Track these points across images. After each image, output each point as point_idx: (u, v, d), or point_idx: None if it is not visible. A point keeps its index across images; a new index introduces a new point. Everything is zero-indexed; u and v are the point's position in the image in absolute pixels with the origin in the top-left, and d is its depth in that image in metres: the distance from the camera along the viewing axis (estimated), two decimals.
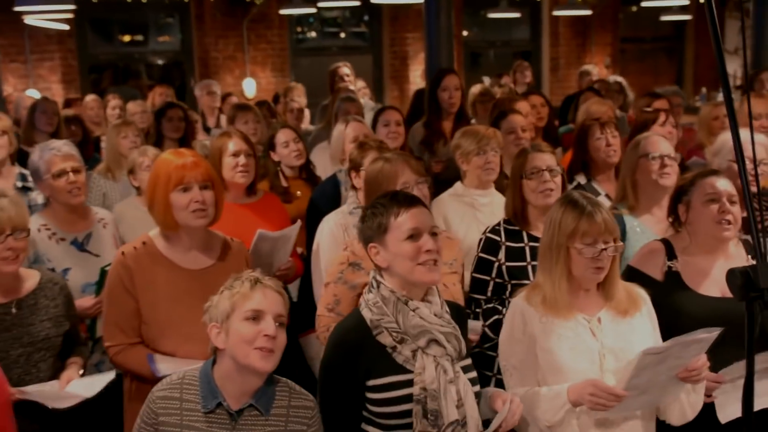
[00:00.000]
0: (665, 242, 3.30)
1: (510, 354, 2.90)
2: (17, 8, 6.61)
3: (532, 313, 2.84)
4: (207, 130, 7.82)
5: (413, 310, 2.59)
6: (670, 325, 2.99)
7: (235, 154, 4.16)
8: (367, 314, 2.63)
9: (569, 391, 2.74)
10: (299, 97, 8.16)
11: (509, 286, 3.56)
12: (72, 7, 6.78)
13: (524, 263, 3.57)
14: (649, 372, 2.72)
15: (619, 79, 8.14)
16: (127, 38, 11.64)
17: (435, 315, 2.61)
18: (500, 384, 3.17)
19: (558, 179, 3.66)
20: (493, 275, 3.61)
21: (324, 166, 5.26)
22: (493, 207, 4.20)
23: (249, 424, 2.52)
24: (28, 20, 8.79)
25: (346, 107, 5.87)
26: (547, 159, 3.67)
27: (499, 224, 3.69)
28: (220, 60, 11.13)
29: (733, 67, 12.66)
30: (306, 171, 5.09)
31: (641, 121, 5.03)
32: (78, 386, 3.17)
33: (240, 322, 2.48)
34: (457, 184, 4.32)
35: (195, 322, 2.97)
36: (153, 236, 3.22)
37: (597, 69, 10.06)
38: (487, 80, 10.03)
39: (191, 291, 3.10)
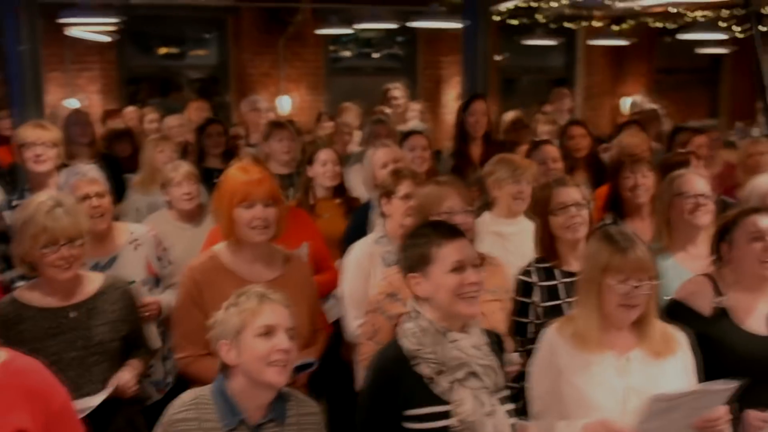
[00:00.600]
0: (710, 278, 3.28)
1: (537, 383, 2.90)
2: (62, 20, 6.73)
3: (561, 346, 2.83)
4: (250, 146, 7.87)
5: (452, 342, 2.59)
6: (716, 362, 2.98)
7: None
8: (405, 344, 2.64)
9: (584, 428, 2.73)
10: (352, 118, 8.20)
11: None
12: (115, 20, 6.90)
13: (559, 301, 3.55)
14: (662, 419, 2.69)
15: (655, 105, 8.06)
16: (165, 51, 11.79)
17: (474, 347, 2.62)
18: None
19: (585, 212, 3.63)
20: (531, 318, 3.58)
21: (357, 186, 5.29)
22: (522, 236, 4.18)
23: None
24: (72, 32, 8.94)
25: (376, 130, 5.90)
26: (572, 193, 3.65)
27: (530, 264, 3.66)
28: (256, 76, 11.24)
29: None
30: (341, 194, 5.09)
31: (673, 162, 5.02)
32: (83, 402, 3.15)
33: (252, 338, 2.52)
34: (485, 214, 4.30)
35: None
36: (218, 250, 3.33)
37: (646, 99, 9.93)
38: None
39: None
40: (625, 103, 12.64)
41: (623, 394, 2.78)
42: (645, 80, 12.90)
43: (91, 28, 9.19)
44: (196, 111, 8.31)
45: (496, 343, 2.78)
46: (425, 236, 2.67)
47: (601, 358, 2.80)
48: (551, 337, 2.89)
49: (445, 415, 2.57)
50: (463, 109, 5.95)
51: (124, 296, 3.33)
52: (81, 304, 3.22)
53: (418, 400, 2.59)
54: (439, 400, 2.58)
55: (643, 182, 4.43)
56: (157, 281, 4.07)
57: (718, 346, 3.07)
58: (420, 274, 2.64)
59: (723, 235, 3.30)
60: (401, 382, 2.61)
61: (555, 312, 3.50)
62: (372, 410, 2.67)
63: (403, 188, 3.92)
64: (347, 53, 12.56)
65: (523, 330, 3.61)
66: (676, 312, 3.05)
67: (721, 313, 3.19)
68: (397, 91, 8.98)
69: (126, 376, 3.26)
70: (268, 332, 2.52)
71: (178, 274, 4.12)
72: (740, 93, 13.41)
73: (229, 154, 6.30)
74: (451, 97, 12.05)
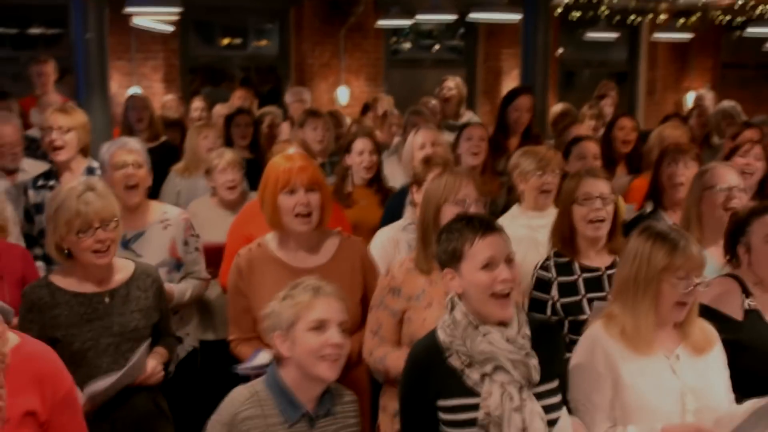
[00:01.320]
0: (735, 278, 3.21)
1: (589, 390, 2.77)
2: (128, 9, 6.87)
3: (614, 347, 2.75)
4: None
5: (483, 335, 2.56)
6: (757, 365, 2.93)
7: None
8: (441, 335, 2.64)
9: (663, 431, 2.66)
10: (388, 108, 8.21)
11: (566, 323, 3.47)
12: (179, 9, 7.00)
13: (578, 297, 3.48)
14: (761, 421, 2.63)
15: (733, 102, 7.86)
16: (226, 41, 11.93)
17: (507, 340, 2.57)
18: None
19: (610, 208, 3.53)
20: (548, 314, 3.49)
21: (392, 176, 5.33)
22: (549, 229, 4.14)
23: (323, 427, 2.62)
24: (136, 21, 9.11)
25: (414, 120, 5.88)
26: (600, 186, 3.55)
27: (548, 258, 3.59)
28: (316, 67, 11.31)
29: None
30: (377, 183, 5.11)
31: (727, 153, 4.93)
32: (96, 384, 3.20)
33: (305, 332, 2.57)
34: (514, 207, 4.25)
35: None
36: (268, 238, 3.40)
37: (711, 94, 9.76)
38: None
39: None
40: (689, 98, 12.41)
41: (680, 394, 2.72)
42: (710, 75, 12.65)
43: (155, 18, 9.33)
44: (239, 100, 8.36)
45: (548, 335, 2.73)
46: (457, 231, 2.63)
47: (654, 359, 2.73)
48: (600, 338, 2.78)
49: (475, 407, 2.55)
50: (508, 102, 5.90)
51: (154, 284, 3.36)
52: (115, 291, 3.25)
53: (450, 391, 2.58)
54: (470, 392, 2.57)
55: (685, 173, 4.29)
56: (178, 265, 4.05)
57: (757, 350, 3.01)
58: (453, 270, 2.63)
59: (736, 237, 3.23)
60: (434, 372, 2.61)
61: (575, 308, 3.45)
62: (409, 399, 2.68)
63: (433, 176, 3.89)
64: (407, 45, 12.56)
65: None
66: (707, 318, 2.92)
67: (755, 316, 3.12)
68: (451, 82, 8.91)
69: (153, 363, 3.29)
70: (321, 326, 2.56)
71: (202, 262, 4.17)
72: None
73: (256, 144, 6.34)
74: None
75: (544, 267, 3.57)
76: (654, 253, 2.71)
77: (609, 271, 3.47)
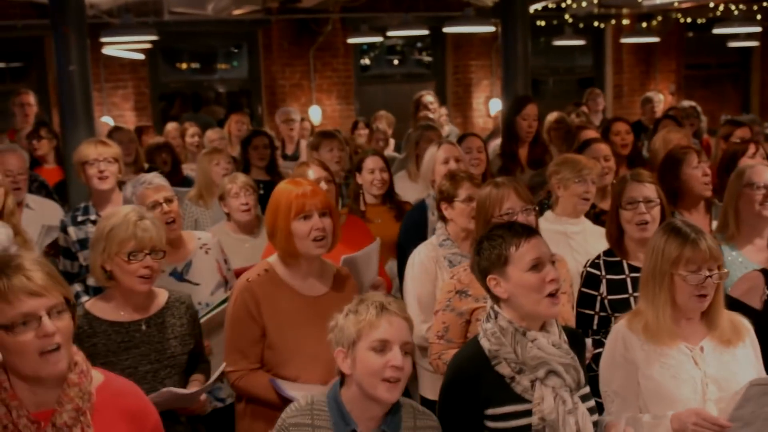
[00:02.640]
0: (764, 272, 3.30)
1: (611, 379, 2.90)
2: (104, 39, 6.82)
3: (634, 340, 2.84)
4: (285, 157, 7.93)
5: (532, 341, 2.61)
6: None
7: (317, 182, 4.22)
8: (485, 344, 2.66)
9: (672, 419, 2.73)
10: (385, 125, 8.25)
11: (613, 319, 3.51)
12: (155, 37, 6.97)
13: (626, 295, 3.55)
14: (755, 404, 2.71)
15: (693, 103, 8.09)
16: (195, 66, 11.89)
17: (553, 345, 2.63)
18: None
19: (655, 210, 3.63)
20: (597, 309, 3.59)
21: (401, 191, 5.33)
22: (585, 235, 4.21)
23: None
24: (107, 50, 9.04)
25: (428, 135, 5.90)
26: (644, 190, 3.65)
27: (599, 257, 3.68)
28: (287, 88, 11.29)
29: None
30: (390, 200, 5.11)
31: (731, 152, 5.01)
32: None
33: (366, 351, 2.48)
34: (548, 213, 4.32)
35: (315, 348, 3.06)
36: (273, 263, 3.32)
37: (661, 96, 9.98)
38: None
39: (311, 317, 3.20)
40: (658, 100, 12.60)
41: (701, 384, 2.80)
42: (674, 77, 12.86)
43: (125, 47, 9.27)
44: (237, 124, 8.38)
45: (575, 340, 2.79)
46: (500, 237, 2.68)
47: (675, 350, 2.82)
48: (622, 332, 2.89)
49: (526, 413, 2.59)
50: (516, 112, 5.95)
51: (189, 311, 3.34)
52: (151, 318, 3.24)
53: (499, 399, 2.61)
54: (520, 399, 2.60)
55: (709, 173, 4.43)
56: (226, 284, 4.11)
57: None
58: (498, 275, 2.66)
59: None
60: (482, 381, 2.62)
61: (622, 305, 3.51)
62: (453, 409, 2.67)
63: (464, 191, 3.96)
64: (376, 62, 12.61)
65: (588, 322, 3.62)
66: (731, 308, 3.03)
67: None
68: (431, 96, 9.04)
69: (203, 399, 3.27)
70: (383, 347, 2.48)
71: (234, 280, 4.18)
72: None
73: (273, 165, 6.35)
74: (481, 101, 12.07)
75: (593, 264, 3.66)
76: (666, 247, 2.82)
77: None
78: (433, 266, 3.93)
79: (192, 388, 3.24)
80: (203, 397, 3.26)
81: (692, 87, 12.64)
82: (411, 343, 2.55)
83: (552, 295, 2.63)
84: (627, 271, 3.60)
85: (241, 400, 3.32)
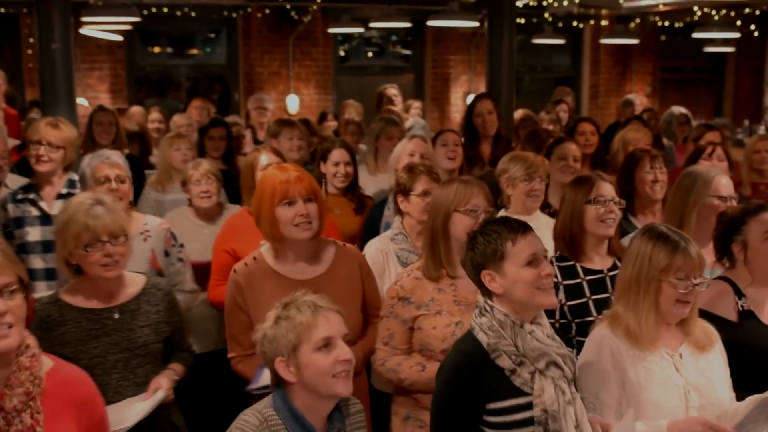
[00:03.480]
0: (727, 280, 3.29)
1: (596, 387, 2.84)
2: (85, 18, 6.71)
3: (620, 346, 2.82)
4: (257, 143, 7.87)
5: (530, 333, 2.60)
6: (754, 364, 3.01)
7: (267, 168, 4.23)
8: (483, 338, 2.63)
9: (670, 427, 2.72)
10: (355, 115, 8.20)
11: (573, 325, 3.50)
12: (137, 19, 6.87)
13: (584, 299, 3.52)
14: (762, 414, 2.73)
15: (684, 110, 8.13)
16: (174, 51, 11.76)
17: (549, 337, 2.64)
18: None
19: (620, 211, 3.63)
20: (557, 317, 3.51)
21: (364, 185, 5.30)
22: (542, 230, 4.17)
23: None
24: (84, 30, 8.90)
25: (389, 131, 5.84)
26: (611, 189, 3.66)
27: (551, 263, 3.58)
28: (265, 75, 11.23)
29: None
30: (352, 192, 5.07)
31: (691, 154, 5.07)
32: (134, 410, 3.12)
33: (312, 353, 2.46)
34: (501, 212, 4.28)
35: None
36: (263, 251, 3.33)
37: (640, 98, 10.08)
38: None
39: None
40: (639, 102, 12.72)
41: (684, 391, 2.80)
42: (650, 79, 12.97)
43: (103, 27, 9.14)
44: (197, 110, 8.28)
45: (560, 336, 2.80)
46: (496, 233, 2.66)
47: (658, 357, 2.81)
48: (604, 336, 2.86)
49: (527, 406, 2.57)
50: (470, 110, 5.95)
51: (165, 297, 3.29)
52: (124, 306, 3.18)
53: (500, 393, 2.59)
54: (520, 392, 2.58)
55: (662, 178, 4.41)
56: (159, 276, 3.93)
57: (754, 350, 3.08)
58: (493, 271, 2.65)
59: (730, 236, 3.32)
60: (483, 375, 2.60)
61: (582, 311, 3.49)
62: (452, 406, 2.64)
63: (421, 185, 3.94)
64: (355, 52, 12.58)
65: None
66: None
67: (748, 316, 3.20)
68: (394, 89, 9.01)
69: (164, 383, 3.18)
70: (328, 344, 2.47)
71: (186, 273, 4.13)
72: (743, 91, 13.53)
73: (230, 155, 6.26)
74: (459, 96, 12.09)
75: None
76: (655, 254, 2.79)
77: (611, 273, 3.55)
78: (381, 260, 3.91)
79: (155, 384, 3.17)
80: (166, 388, 3.17)
81: (667, 90, 12.76)
82: (349, 333, 2.57)
83: (549, 288, 2.64)
84: (582, 275, 3.56)
85: None
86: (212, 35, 11.84)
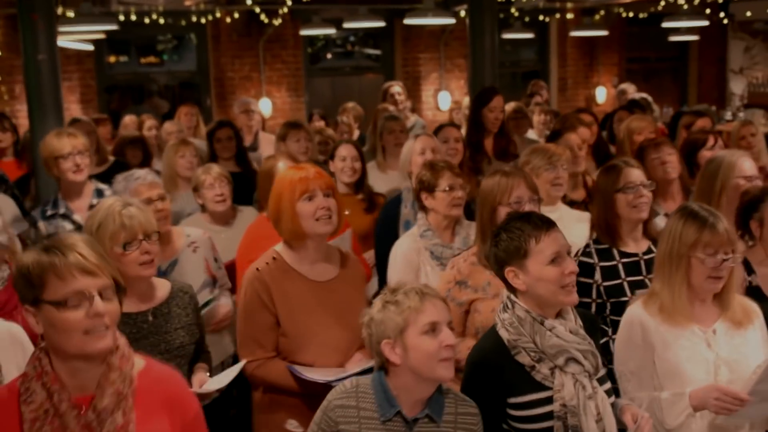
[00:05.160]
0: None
1: (627, 359, 2.98)
2: (62, 28, 6.63)
3: (651, 323, 2.92)
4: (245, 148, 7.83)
5: (550, 330, 2.65)
6: None
7: None
8: (504, 334, 2.69)
9: (691, 396, 2.83)
10: (352, 119, 8.23)
11: (608, 305, 3.61)
12: (115, 27, 6.80)
13: (620, 280, 3.63)
14: None
15: (645, 95, 8.29)
16: (143, 58, 11.65)
17: (571, 332, 2.68)
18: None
19: (650, 193, 3.72)
20: (594, 297, 3.64)
21: (372, 184, 5.33)
22: (562, 222, 4.23)
23: (423, 431, 2.57)
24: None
25: (390, 126, 5.91)
26: (639, 174, 3.75)
27: (588, 246, 3.74)
28: (236, 80, 11.17)
29: (739, 87, 12.92)
30: (362, 191, 5.12)
31: (690, 141, 5.17)
32: (211, 384, 3.20)
33: (419, 336, 2.51)
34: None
35: (329, 332, 3.08)
36: (280, 251, 3.32)
37: (633, 87, 10.18)
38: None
39: (322, 302, 3.22)
40: (600, 94, 12.87)
41: (713, 366, 2.89)
42: (617, 69, 13.14)
43: (73, 37, 9.02)
44: (186, 116, 8.26)
45: (590, 324, 2.84)
46: (519, 230, 2.70)
47: (690, 332, 2.91)
48: (638, 314, 2.96)
49: (548, 401, 2.63)
50: (483, 104, 6.01)
51: (192, 301, 3.33)
52: (158, 309, 3.22)
53: (520, 387, 2.65)
54: (540, 387, 2.65)
55: (670, 159, 4.57)
56: (214, 282, 4.08)
57: None
58: (516, 267, 2.69)
59: (749, 212, 3.42)
60: (504, 371, 2.66)
61: (617, 291, 3.60)
62: (475, 400, 2.69)
63: (445, 181, 3.98)
64: (326, 54, 12.57)
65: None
66: None
67: (755, 292, 3.30)
68: (398, 87, 9.11)
69: (204, 378, 3.23)
70: (434, 329, 2.52)
71: (226, 274, 4.14)
72: (707, 79, 13.77)
73: (242, 156, 6.26)
74: (430, 94, 12.13)
75: (586, 253, 3.71)
76: (684, 231, 2.91)
77: (645, 257, 3.67)
78: (415, 258, 3.96)
79: (199, 379, 3.21)
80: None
81: (633, 80, 12.87)
82: (453, 321, 2.63)
83: (571, 286, 2.69)
84: (618, 257, 3.67)
85: (258, 388, 3.32)
86: (182, 41, 11.75)
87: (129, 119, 8.31)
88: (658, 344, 2.90)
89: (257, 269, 3.26)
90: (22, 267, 2.16)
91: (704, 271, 2.87)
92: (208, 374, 3.30)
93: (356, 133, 8.43)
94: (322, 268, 3.31)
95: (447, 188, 3.97)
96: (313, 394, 2.95)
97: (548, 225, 2.71)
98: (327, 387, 2.81)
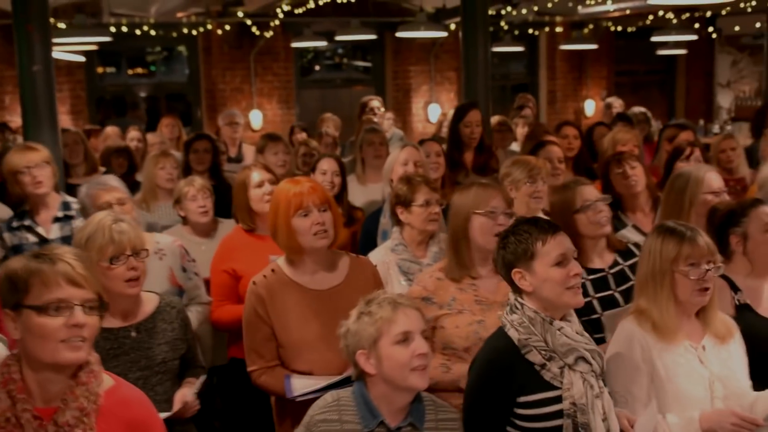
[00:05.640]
0: (722, 276, 3.34)
1: (627, 381, 2.93)
2: (56, 39, 6.63)
3: (648, 339, 2.92)
4: (228, 160, 7.83)
5: (559, 330, 2.69)
6: (758, 353, 3.09)
7: (260, 185, 4.27)
8: (513, 334, 2.72)
9: (702, 419, 2.82)
10: (333, 129, 8.24)
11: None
12: (108, 39, 6.80)
13: (589, 298, 3.60)
14: None
15: (643, 109, 8.36)
16: (134, 69, 11.66)
17: (578, 333, 2.73)
18: None
19: (608, 207, 3.73)
20: None
21: (351, 196, 5.31)
22: None
23: None
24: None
25: (369, 138, 5.88)
26: (593, 190, 3.77)
27: None
28: (227, 92, 11.20)
29: (727, 100, 13.04)
30: (340, 203, 5.01)
31: (671, 152, 5.23)
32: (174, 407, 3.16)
33: (391, 347, 2.57)
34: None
35: (328, 341, 3.09)
36: (280, 263, 3.35)
37: (619, 101, 10.25)
38: None
39: (321, 311, 3.24)
40: (588, 107, 12.96)
41: (708, 381, 2.91)
42: (606, 83, 13.24)
43: (68, 48, 9.03)
44: (167, 127, 8.27)
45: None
46: (526, 232, 2.75)
47: (683, 348, 2.92)
48: (632, 331, 2.95)
49: (556, 399, 2.66)
50: (459, 119, 6.02)
51: (179, 315, 3.29)
52: (141, 324, 3.17)
53: (530, 386, 2.68)
54: (549, 386, 2.68)
55: (633, 173, 4.59)
56: (180, 293, 3.99)
57: (754, 342, 3.15)
58: (523, 269, 2.73)
59: (727, 227, 3.44)
60: (514, 370, 2.69)
61: (586, 309, 3.55)
62: (484, 399, 2.73)
63: (421, 195, 3.96)
64: (316, 66, 12.60)
65: None
66: None
67: (745, 309, 3.31)
68: (377, 101, 9.12)
69: (189, 395, 3.20)
70: (406, 338, 2.57)
71: (202, 285, 4.12)
72: (694, 92, 13.89)
73: (216, 169, 6.22)
74: (420, 106, 12.19)
75: None
76: (664, 247, 2.93)
77: (612, 270, 3.68)
78: (383, 270, 3.92)
79: (181, 395, 3.18)
80: (191, 399, 3.19)
81: (622, 93, 13.00)
82: (427, 329, 2.67)
83: (575, 286, 2.72)
84: (585, 275, 3.60)
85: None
86: (172, 53, 11.76)
87: (111, 130, 8.28)
88: (657, 362, 2.91)
89: (254, 282, 3.30)
90: (9, 271, 2.17)
91: (690, 284, 2.90)
92: (194, 389, 3.27)
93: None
94: (324, 276, 3.33)
95: (423, 203, 3.95)
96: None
97: (554, 229, 2.77)
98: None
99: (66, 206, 4.60)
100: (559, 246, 2.72)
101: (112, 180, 4.11)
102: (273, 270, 3.33)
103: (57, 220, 4.55)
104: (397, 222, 4.07)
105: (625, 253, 3.72)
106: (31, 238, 4.45)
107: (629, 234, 4.31)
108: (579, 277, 2.72)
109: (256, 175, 4.34)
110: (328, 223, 3.27)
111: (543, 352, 2.68)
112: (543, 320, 2.69)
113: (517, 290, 2.77)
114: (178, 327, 3.26)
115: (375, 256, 4.02)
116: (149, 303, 3.25)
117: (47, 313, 2.11)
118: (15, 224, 4.53)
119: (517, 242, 2.75)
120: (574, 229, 3.64)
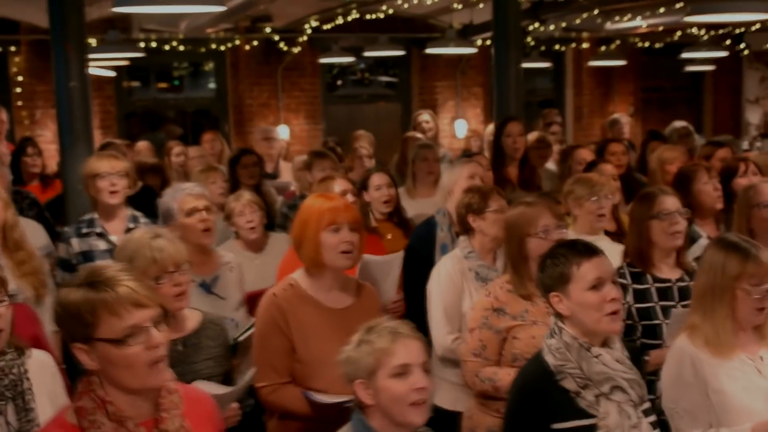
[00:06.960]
0: None
1: (679, 397, 2.94)
2: (91, 55, 6.69)
3: (701, 356, 2.89)
4: (264, 176, 7.86)
5: (596, 357, 2.65)
6: None
7: (342, 195, 4.29)
8: (550, 360, 2.69)
9: (754, 430, 2.80)
10: (368, 145, 8.27)
11: (639, 327, 3.61)
12: (141, 54, 6.86)
13: (652, 304, 3.64)
14: None
15: (684, 123, 8.29)
16: (162, 85, 11.73)
17: (617, 361, 2.68)
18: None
19: (685, 222, 3.73)
20: (624, 318, 3.64)
21: None
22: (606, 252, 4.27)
23: None
24: None
25: (424, 154, 5.96)
26: (675, 201, 3.76)
27: (622, 267, 3.73)
28: (255, 107, 11.23)
29: (756, 116, 12.96)
30: (397, 215, 5.15)
31: (724, 170, 5.17)
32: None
33: (388, 379, 2.46)
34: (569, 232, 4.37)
35: None
36: (297, 278, 3.33)
37: (627, 118, 10.23)
38: None
39: (337, 329, 3.18)
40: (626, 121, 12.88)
41: (767, 393, 2.87)
42: (632, 99, 13.18)
43: (95, 64, 9.10)
44: (209, 143, 8.32)
45: (635, 357, 2.85)
46: (563, 256, 2.73)
47: (739, 362, 2.90)
48: (686, 349, 2.93)
49: (591, 428, 2.63)
50: (500, 132, 6.03)
51: (221, 333, 3.31)
52: (187, 338, 3.20)
53: (564, 414, 2.64)
54: (585, 414, 2.64)
55: (719, 187, 4.61)
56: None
57: None
58: (560, 293, 2.71)
59: None
60: (548, 396, 2.66)
61: (647, 314, 3.61)
62: (519, 425, 2.71)
63: (494, 202, 4.01)
64: (340, 81, 12.64)
65: None
66: None
67: None
68: (427, 116, 9.19)
69: (235, 406, 3.19)
70: (404, 371, 2.46)
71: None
72: (722, 109, 13.81)
73: (260, 185, 6.26)
74: (446, 122, 12.18)
75: (619, 275, 3.68)
76: (728, 263, 2.89)
77: (678, 284, 3.68)
78: (459, 278, 3.96)
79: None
80: (234, 406, 3.18)
81: (649, 109, 12.98)
82: (428, 361, 2.55)
83: (613, 312, 2.68)
84: (651, 281, 3.67)
85: (272, 415, 3.33)
86: (200, 68, 11.83)
87: (143, 145, 8.34)
88: (710, 378, 2.88)
89: (274, 294, 3.28)
90: (69, 305, 2.12)
91: (751, 303, 2.87)
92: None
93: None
94: (338, 295, 3.32)
95: (497, 209, 3.99)
96: (327, 420, 2.94)
97: (591, 251, 2.73)
98: (340, 413, 2.79)
99: (135, 219, 4.66)
100: (596, 269, 2.69)
101: (198, 187, 4.21)
102: (291, 284, 3.31)
103: (128, 231, 4.58)
104: (465, 230, 4.08)
105: (693, 274, 3.70)
106: (102, 245, 4.49)
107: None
108: (618, 303, 2.68)
109: (338, 186, 4.45)
110: (356, 243, 3.25)
111: (578, 380, 2.65)
112: (580, 346, 2.66)
113: (558, 314, 2.75)
114: (220, 344, 3.29)
115: (447, 264, 4.04)
116: (193, 319, 3.28)
117: (126, 343, 2.09)
118: (85, 230, 4.54)
119: (554, 265, 2.73)
120: (647, 235, 3.67)
